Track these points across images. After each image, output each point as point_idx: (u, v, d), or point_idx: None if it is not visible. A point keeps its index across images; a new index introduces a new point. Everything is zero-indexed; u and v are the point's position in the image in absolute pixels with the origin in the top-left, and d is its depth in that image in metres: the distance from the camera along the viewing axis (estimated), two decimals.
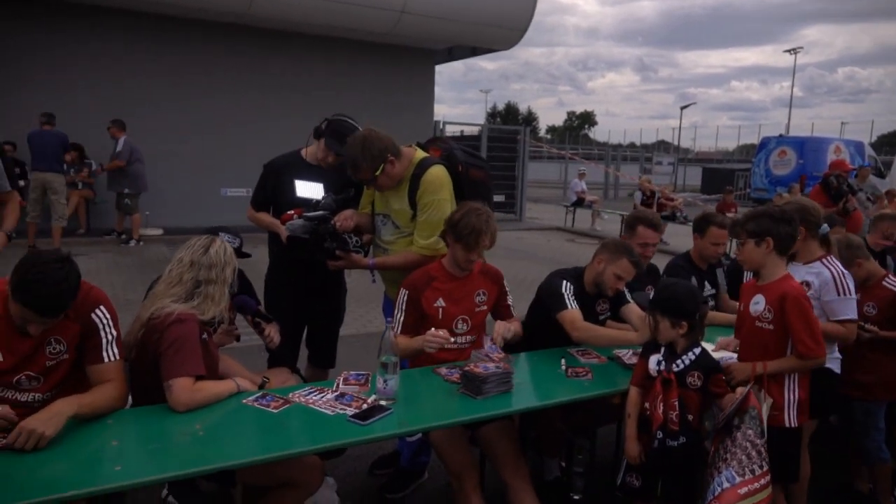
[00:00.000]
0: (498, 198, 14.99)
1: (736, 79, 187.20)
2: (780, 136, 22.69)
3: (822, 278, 2.86)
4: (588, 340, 3.02)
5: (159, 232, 10.83)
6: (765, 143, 21.59)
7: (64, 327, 2.22)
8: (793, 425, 2.65)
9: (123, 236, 10.28)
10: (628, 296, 3.15)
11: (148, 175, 10.16)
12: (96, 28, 10.63)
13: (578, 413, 3.07)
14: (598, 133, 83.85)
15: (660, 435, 2.49)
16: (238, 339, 3.02)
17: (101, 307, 2.30)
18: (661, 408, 2.48)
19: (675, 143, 41.16)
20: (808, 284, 2.85)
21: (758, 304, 2.67)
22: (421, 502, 3.31)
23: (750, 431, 2.39)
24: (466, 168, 3.17)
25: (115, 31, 10.77)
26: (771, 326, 2.62)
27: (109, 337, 2.29)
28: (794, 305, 2.55)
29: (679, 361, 2.52)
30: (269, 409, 2.33)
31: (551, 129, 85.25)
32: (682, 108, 44.80)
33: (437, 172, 3.08)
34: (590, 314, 3.09)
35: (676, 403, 2.47)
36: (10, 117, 9.53)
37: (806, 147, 20.22)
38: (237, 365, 2.91)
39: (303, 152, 3.48)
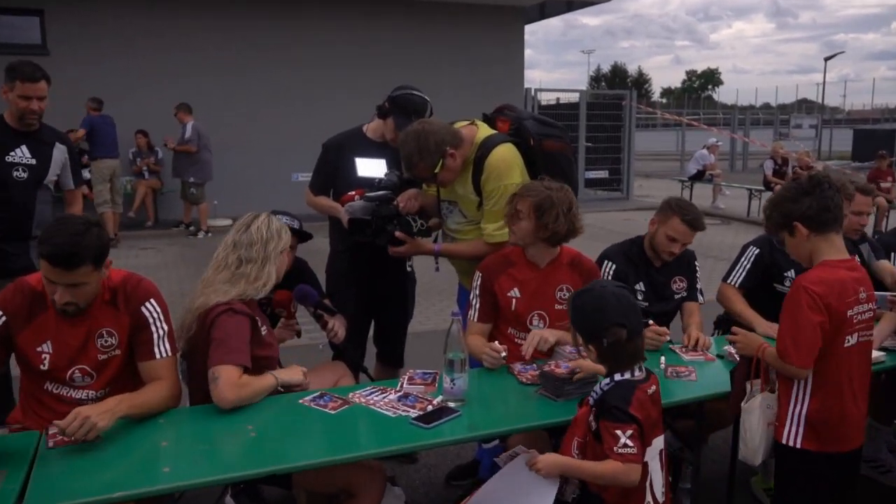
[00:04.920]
0: (601, 173, 14.72)
1: None
2: None
3: None
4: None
5: (228, 222, 11.27)
6: None
7: (114, 319, 2.40)
8: (791, 445, 2.36)
9: (192, 228, 10.81)
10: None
11: (216, 162, 10.62)
12: (160, 8, 11.22)
13: (683, 419, 2.97)
14: (723, 94, 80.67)
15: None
16: (299, 334, 3.13)
17: (152, 300, 2.46)
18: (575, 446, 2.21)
19: (820, 101, 38.59)
20: None
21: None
22: None
23: None
24: (539, 140, 3.11)
25: (181, 10, 11.32)
26: None
27: (161, 332, 2.45)
28: (790, 297, 2.33)
29: (598, 390, 2.20)
30: (327, 410, 2.41)
31: (667, 92, 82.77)
32: (827, 59, 41.69)
33: (503, 153, 3.05)
34: (660, 294, 3.35)
35: (573, 445, 2.20)
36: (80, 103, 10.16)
37: None
38: None
39: (365, 128, 3.54)
